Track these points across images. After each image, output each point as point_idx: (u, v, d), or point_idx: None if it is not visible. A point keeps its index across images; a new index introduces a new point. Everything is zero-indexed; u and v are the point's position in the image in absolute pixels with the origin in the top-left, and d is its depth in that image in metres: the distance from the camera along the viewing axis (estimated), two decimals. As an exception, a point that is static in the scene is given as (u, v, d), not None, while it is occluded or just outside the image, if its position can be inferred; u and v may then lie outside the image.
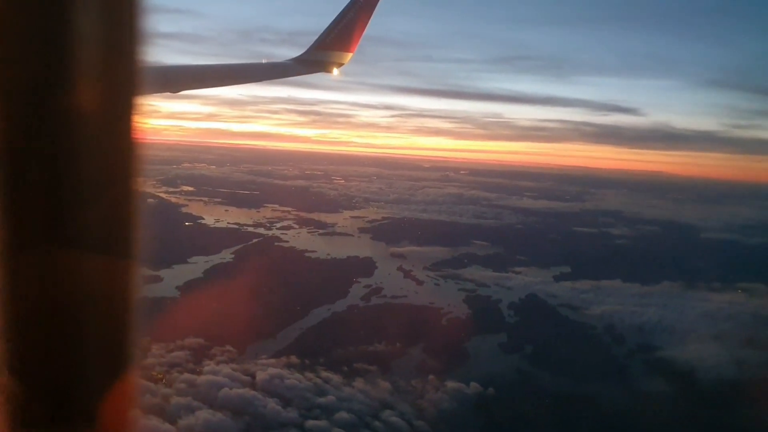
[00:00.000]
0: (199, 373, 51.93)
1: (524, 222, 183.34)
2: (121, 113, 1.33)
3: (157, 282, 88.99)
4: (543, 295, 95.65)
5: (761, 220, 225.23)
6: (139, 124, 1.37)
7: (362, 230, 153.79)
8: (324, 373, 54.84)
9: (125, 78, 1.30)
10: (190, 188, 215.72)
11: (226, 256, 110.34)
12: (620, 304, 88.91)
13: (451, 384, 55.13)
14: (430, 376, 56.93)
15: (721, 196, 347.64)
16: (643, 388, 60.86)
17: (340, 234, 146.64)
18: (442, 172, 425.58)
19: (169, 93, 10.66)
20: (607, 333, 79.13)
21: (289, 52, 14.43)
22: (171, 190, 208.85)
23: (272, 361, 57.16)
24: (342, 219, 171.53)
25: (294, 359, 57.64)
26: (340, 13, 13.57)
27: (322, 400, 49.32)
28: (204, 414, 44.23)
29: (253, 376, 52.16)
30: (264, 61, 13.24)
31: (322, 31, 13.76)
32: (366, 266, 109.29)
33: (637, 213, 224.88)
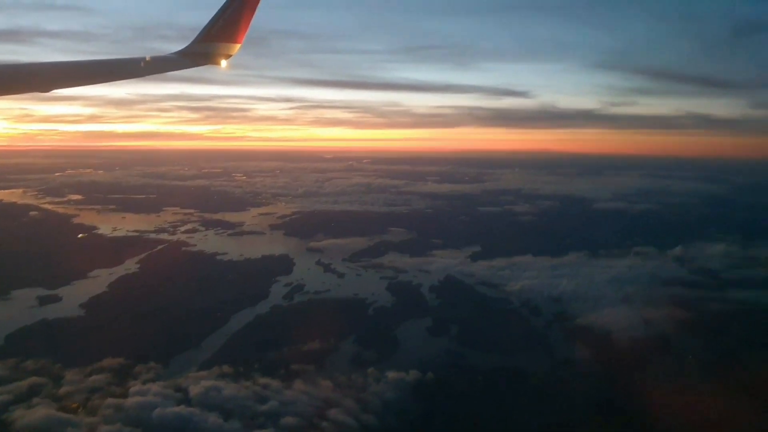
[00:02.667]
0: (126, 396, 47.99)
1: (433, 206, 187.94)
2: None
3: (56, 302, 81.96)
4: (461, 275, 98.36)
5: (641, 188, 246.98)
6: None
7: (273, 227, 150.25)
8: (261, 379, 52.63)
9: None
10: (79, 196, 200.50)
11: (131, 266, 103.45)
12: (535, 278, 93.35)
13: (391, 374, 55.01)
14: (370, 369, 56.52)
15: (602, 169, 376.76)
16: (567, 356, 64.18)
17: (250, 233, 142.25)
18: (346, 162, 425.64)
19: (38, 93, 10.06)
20: (525, 306, 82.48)
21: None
22: (57, 200, 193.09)
23: (203, 372, 54.04)
24: (250, 217, 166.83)
25: (227, 368, 54.86)
26: (225, 2, 13.02)
27: (264, 407, 47.28)
28: (139, 439, 40.94)
29: (186, 392, 48.98)
30: (147, 57, 12.10)
31: (206, 22, 13.21)
32: (283, 264, 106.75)
33: (534, 189, 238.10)
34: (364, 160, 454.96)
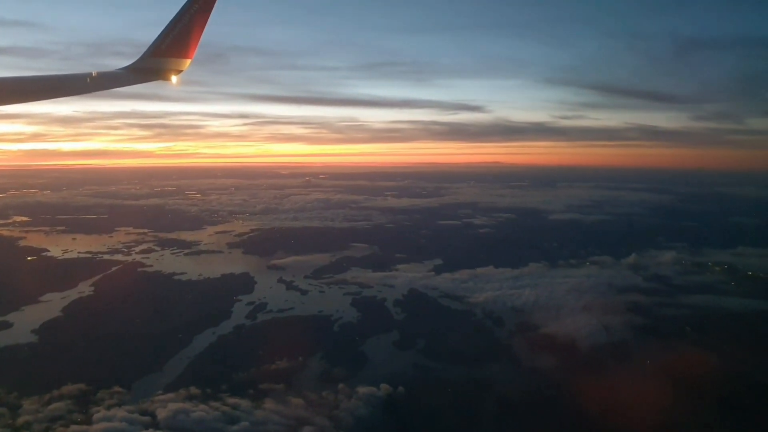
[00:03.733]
0: (90, 422, 46.18)
1: (394, 220, 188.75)
2: None
3: (6, 328, 78.39)
4: (425, 289, 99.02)
5: (593, 200, 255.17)
6: None
7: (231, 245, 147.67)
8: (230, 400, 51.59)
9: None
10: (25, 218, 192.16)
11: (85, 289, 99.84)
12: (497, 289, 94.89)
13: (362, 389, 54.80)
14: (340, 385, 56.15)
15: (555, 181, 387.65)
16: (532, 365, 65.14)
17: (207, 252, 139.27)
18: (302, 177, 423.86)
19: None
20: (488, 318, 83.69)
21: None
22: (0, 222, 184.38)
23: (170, 395, 52.52)
24: (207, 236, 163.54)
25: (194, 390, 53.54)
26: (174, 17, 12.74)
27: (235, 428, 46.36)
28: (107, 467, 39.46)
29: (153, 416, 47.55)
30: (94, 73, 12.05)
31: (155, 37, 12.95)
32: (244, 282, 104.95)
33: (490, 202, 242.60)
34: (321, 176, 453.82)
